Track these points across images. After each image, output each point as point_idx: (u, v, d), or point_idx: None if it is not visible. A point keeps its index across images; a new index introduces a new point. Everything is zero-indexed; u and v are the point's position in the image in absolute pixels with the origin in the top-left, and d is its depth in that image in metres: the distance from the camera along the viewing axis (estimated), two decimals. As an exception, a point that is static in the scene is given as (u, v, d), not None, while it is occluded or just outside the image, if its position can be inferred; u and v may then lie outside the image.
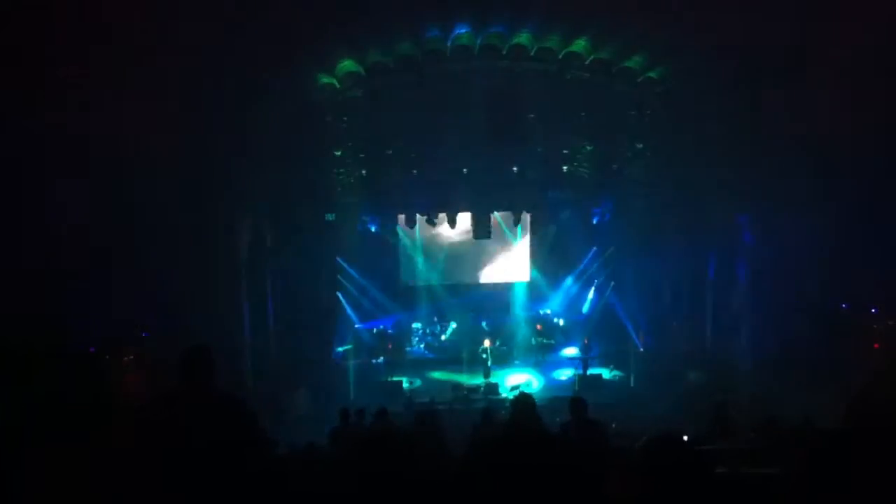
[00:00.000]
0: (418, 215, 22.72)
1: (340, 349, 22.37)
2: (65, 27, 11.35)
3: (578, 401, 8.32)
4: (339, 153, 21.27)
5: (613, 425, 14.30)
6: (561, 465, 1.71)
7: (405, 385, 20.26)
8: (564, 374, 21.36)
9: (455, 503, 2.39)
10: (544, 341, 22.47)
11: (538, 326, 22.67)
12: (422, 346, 23.72)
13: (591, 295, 24.13)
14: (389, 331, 23.78)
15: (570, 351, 22.92)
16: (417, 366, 22.49)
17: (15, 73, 10.67)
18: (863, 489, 1.71)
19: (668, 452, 2.24)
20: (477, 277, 24.29)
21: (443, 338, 23.73)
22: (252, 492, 4.14)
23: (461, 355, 22.10)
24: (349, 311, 23.02)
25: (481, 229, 23.40)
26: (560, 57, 19.95)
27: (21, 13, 10.69)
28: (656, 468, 2.20)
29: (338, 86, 20.26)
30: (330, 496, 4.95)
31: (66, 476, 3.14)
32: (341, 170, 21.44)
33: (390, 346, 22.71)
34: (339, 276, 22.76)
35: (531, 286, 24.61)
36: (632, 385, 20.17)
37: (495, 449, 1.82)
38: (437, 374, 21.95)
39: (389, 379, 20.69)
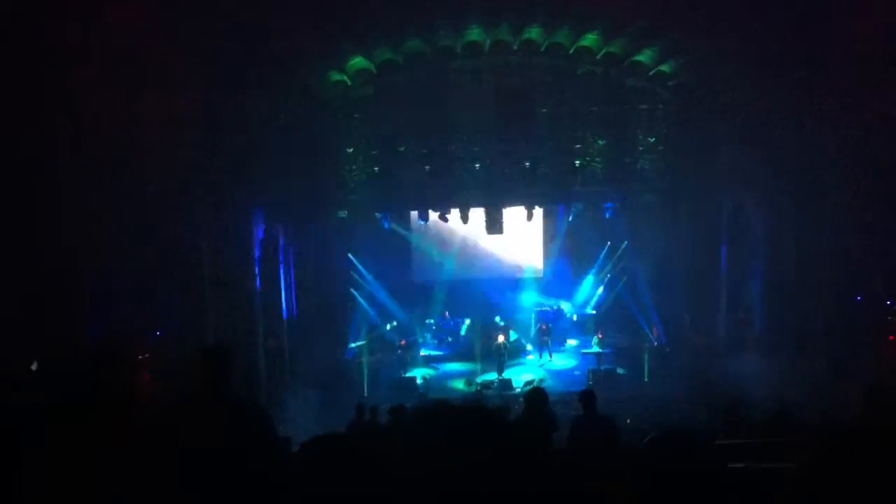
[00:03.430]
0: (431, 211, 22.69)
1: (354, 345, 22.41)
2: (74, 27, 11.41)
3: (588, 393, 8.30)
4: (350, 150, 21.32)
5: (628, 421, 14.30)
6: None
7: (419, 381, 20.26)
8: (577, 370, 21.29)
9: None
10: (550, 339, 22.42)
11: (543, 327, 22.59)
12: (435, 341, 23.70)
13: (601, 289, 24.08)
14: (403, 327, 23.79)
15: (573, 342, 23.02)
16: (431, 362, 22.49)
17: (22, 75, 10.73)
18: (878, 486, 1.70)
19: (676, 448, 2.23)
20: (490, 273, 24.25)
21: (460, 333, 23.65)
22: (266, 492, 4.16)
23: (474, 351, 22.09)
24: (363, 307, 23.05)
25: (494, 224, 23.35)
26: (571, 52, 19.96)
27: (30, 13, 10.76)
28: (664, 464, 2.19)
29: (349, 83, 20.33)
30: (345, 493, 4.97)
31: (74, 478, 3.16)
32: (353, 167, 21.46)
33: (404, 343, 22.72)
34: (352, 273, 22.79)
35: (544, 281, 24.59)
36: (646, 380, 20.10)
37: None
38: (450, 370, 21.95)
39: (403, 375, 20.70)
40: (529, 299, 24.40)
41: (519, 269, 24.59)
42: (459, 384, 20.41)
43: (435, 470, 1.46)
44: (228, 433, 4.08)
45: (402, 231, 23.86)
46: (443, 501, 1.45)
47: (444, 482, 1.46)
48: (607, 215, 22.96)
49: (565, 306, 24.36)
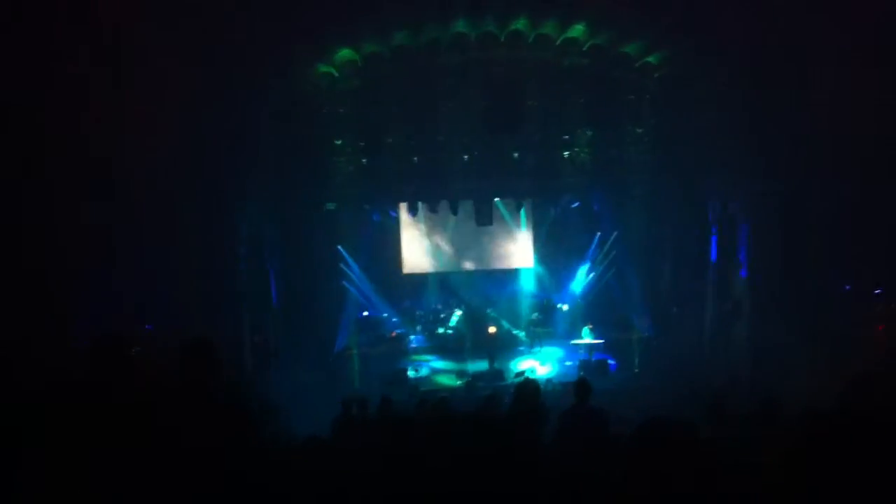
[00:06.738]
0: (420, 203, 22.67)
1: (344, 338, 22.37)
2: (62, 25, 11.34)
3: (583, 382, 8.32)
4: (338, 142, 21.27)
5: (617, 413, 14.33)
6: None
7: (410, 373, 20.25)
8: (567, 360, 21.30)
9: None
10: (541, 330, 22.48)
11: (534, 318, 22.66)
12: (426, 333, 23.68)
13: (590, 280, 24.09)
14: (393, 319, 23.77)
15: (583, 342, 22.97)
16: (422, 353, 22.50)
17: (14, 72, 10.66)
18: (862, 473, 1.71)
19: (662, 435, 2.24)
20: (480, 264, 24.28)
21: (450, 325, 23.63)
22: (255, 486, 4.15)
23: (466, 342, 22.10)
24: (353, 299, 23.00)
25: (483, 216, 23.40)
26: (558, 43, 19.96)
27: (21, 12, 10.68)
28: (650, 452, 2.21)
29: (336, 75, 20.26)
30: (333, 487, 4.97)
31: (68, 476, 3.15)
32: (341, 159, 21.43)
33: (394, 335, 22.69)
34: (341, 266, 22.74)
35: (536, 272, 24.62)
36: (635, 371, 20.17)
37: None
38: (441, 362, 21.93)
39: (394, 367, 20.69)
40: (520, 290, 24.41)
41: (508, 260, 24.59)
42: (451, 376, 20.42)
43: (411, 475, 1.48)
44: (219, 430, 4.08)
45: (391, 222, 23.86)
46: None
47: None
48: (596, 207, 23.01)
49: (555, 297, 24.36)
